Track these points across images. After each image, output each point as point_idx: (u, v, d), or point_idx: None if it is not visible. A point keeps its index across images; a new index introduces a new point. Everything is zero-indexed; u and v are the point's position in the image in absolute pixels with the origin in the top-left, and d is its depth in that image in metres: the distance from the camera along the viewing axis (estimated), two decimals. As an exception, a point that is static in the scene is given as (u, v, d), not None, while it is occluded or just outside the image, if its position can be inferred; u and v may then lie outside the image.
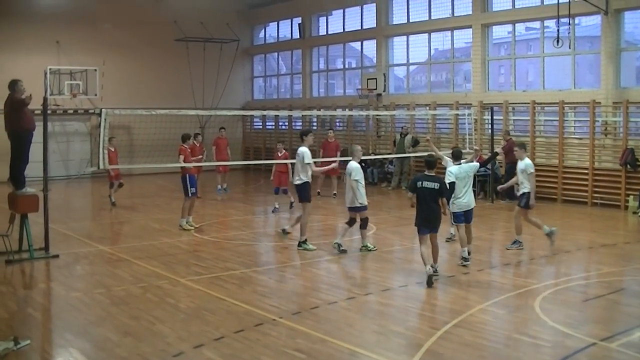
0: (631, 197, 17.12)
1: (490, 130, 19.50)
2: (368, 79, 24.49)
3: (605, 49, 18.01)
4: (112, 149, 18.45)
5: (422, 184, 9.93)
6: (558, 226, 12.82)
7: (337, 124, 27.56)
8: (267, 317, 8.41)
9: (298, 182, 12.65)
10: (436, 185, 9.91)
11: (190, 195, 14.97)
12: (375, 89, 24.06)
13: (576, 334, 7.71)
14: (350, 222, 12.42)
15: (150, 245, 13.20)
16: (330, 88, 29.15)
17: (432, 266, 9.94)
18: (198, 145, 19.66)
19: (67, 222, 15.90)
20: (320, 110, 25.82)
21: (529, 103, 19.72)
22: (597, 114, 18.21)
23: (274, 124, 30.66)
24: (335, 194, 19.86)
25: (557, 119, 19.09)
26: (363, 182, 12.26)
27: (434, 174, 10.12)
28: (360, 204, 12.12)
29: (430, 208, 9.94)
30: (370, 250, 12.30)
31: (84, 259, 12.21)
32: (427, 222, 10.03)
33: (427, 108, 22.70)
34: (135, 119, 21.55)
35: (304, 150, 12.55)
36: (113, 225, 16.11)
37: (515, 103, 20.52)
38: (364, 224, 12.37)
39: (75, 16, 25.82)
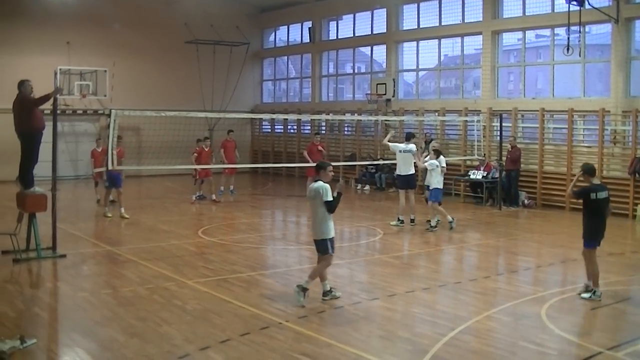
0: (639, 206, 17.06)
1: (499, 137, 19.47)
2: (377, 84, 24.49)
3: (615, 57, 17.97)
4: (99, 150, 18.53)
5: (596, 195, 9.52)
6: (566, 234, 12.76)
7: (346, 128, 27.59)
8: (274, 320, 8.41)
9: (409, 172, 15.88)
10: (607, 194, 9.66)
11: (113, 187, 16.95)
12: (385, 94, 24.05)
13: (582, 343, 7.69)
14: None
15: (158, 247, 13.22)
16: (340, 92, 29.19)
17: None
18: (207, 149, 19.72)
19: (75, 222, 15.96)
20: (329, 114, 25.83)
21: (538, 110, 19.67)
22: (606, 123, 18.15)
23: (282, 127, 30.71)
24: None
25: (566, 126, 19.03)
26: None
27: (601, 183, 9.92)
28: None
29: (604, 218, 9.67)
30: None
31: (91, 259, 12.27)
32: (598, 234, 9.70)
33: (436, 114, 22.68)
34: (144, 120, 21.62)
35: (414, 147, 16.02)
36: (120, 226, 16.14)
37: (525, 110, 20.48)
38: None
39: (86, 17, 25.93)
